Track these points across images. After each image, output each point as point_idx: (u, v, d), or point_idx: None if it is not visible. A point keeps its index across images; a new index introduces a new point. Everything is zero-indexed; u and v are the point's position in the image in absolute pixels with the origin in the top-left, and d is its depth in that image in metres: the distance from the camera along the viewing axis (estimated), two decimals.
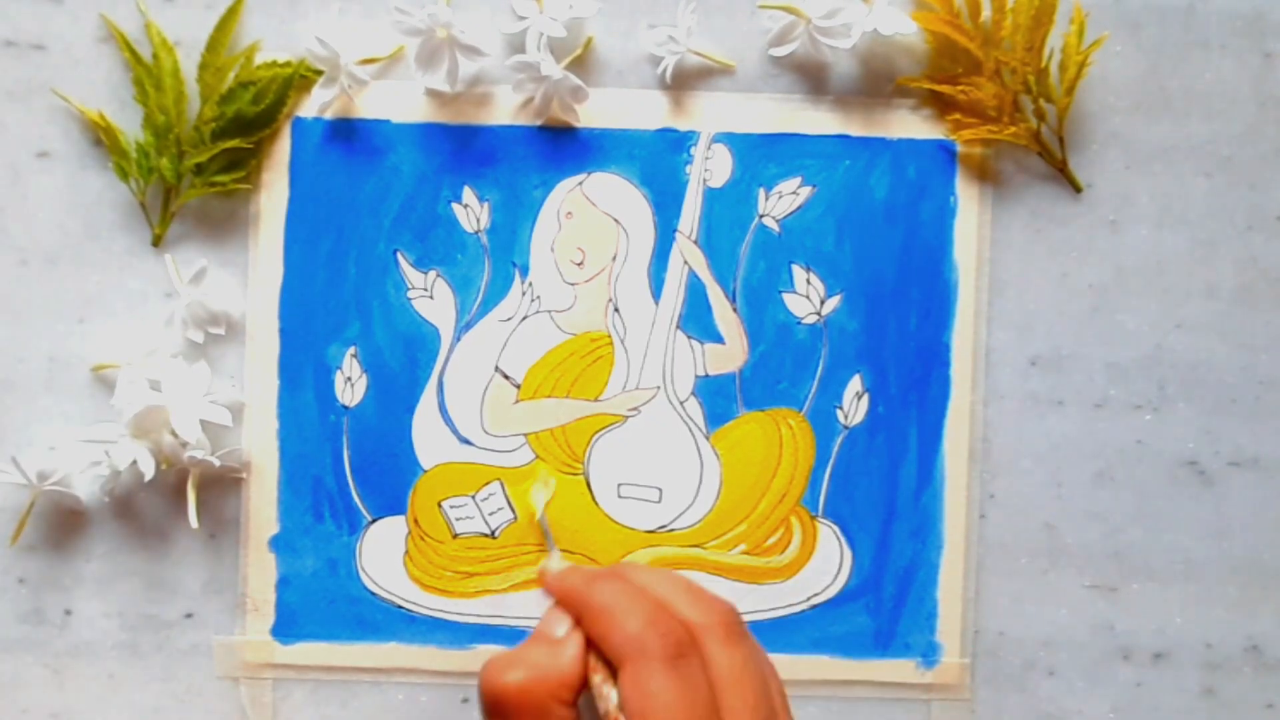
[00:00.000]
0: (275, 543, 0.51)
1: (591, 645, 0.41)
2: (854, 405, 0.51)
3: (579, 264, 0.51)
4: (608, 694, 0.40)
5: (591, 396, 0.51)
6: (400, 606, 0.51)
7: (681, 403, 0.51)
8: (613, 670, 0.40)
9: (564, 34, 0.49)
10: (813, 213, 0.51)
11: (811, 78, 0.51)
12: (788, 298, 0.51)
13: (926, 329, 0.51)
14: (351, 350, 0.51)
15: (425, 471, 0.51)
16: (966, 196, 0.51)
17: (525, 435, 0.51)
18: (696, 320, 0.51)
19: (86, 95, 0.50)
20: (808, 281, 0.51)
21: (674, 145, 0.51)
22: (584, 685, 0.41)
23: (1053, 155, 0.51)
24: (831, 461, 0.51)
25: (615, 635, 0.40)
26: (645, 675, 0.38)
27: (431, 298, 0.51)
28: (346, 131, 0.51)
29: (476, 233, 0.51)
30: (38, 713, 0.51)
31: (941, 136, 0.51)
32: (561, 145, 0.51)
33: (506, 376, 0.51)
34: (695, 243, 0.51)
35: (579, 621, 0.42)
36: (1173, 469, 0.51)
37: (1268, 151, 0.51)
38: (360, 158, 0.51)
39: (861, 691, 0.51)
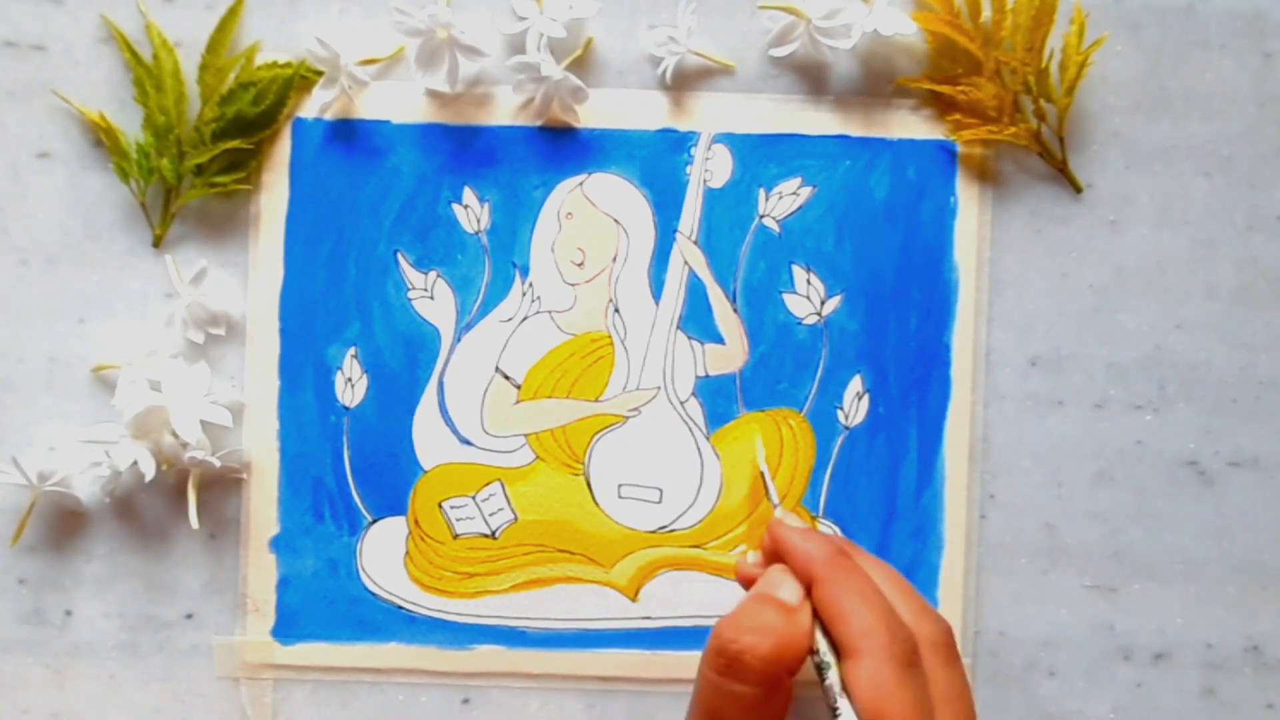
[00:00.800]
0: (275, 543, 0.51)
1: (817, 618, 0.42)
2: (854, 405, 0.51)
3: (579, 264, 0.51)
4: (831, 673, 0.41)
5: (592, 397, 0.51)
6: (400, 607, 0.51)
7: (682, 403, 0.51)
8: (834, 649, 0.41)
9: (564, 34, 0.49)
10: (813, 213, 0.51)
11: (811, 78, 0.51)
12: (788, 298, 0.51)
13: (926, 329, 0.51)
14: (352, 351, 0.51)
15: (425, 472, 0.51)
16: (966, 197, 0.51)
17: (525, 436, 0.51)
18: (697, 320, 0.51)
19: (87, 96, 0.50)
20: (808, 282, 0.51)
21: (674, 145, 0.51)
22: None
23: (1053, 155, 0.51)
24: (832, 462, 0.51)
25: (854, 625, 0.40)
26: (883, 672, 0.39)
27: (432, 298, 0.51)
28: (347, 132, 0.51)
29: (477, 233, 0.51)
30: (38, 713, 0.51)
31: (941, 137, 0.51)
32: (561, 145, 0.51)
33: (507, 377, 0.51)
34: (695, 243, 0.51)
35: (809, 589, 0.42)
36: (1173, 469, 0.51)
37: (1268, 151, 0.51)
38: (360, 158, 0.51)
39: None
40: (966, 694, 0.41)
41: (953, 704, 0.40)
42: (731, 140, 0.51)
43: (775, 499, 0.49)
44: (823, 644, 0.41)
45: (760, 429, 0.51)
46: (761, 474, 0.50)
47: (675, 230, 0.51)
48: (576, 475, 0.51)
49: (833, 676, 0.41)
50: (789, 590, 0.43)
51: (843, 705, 0.40)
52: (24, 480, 0.49)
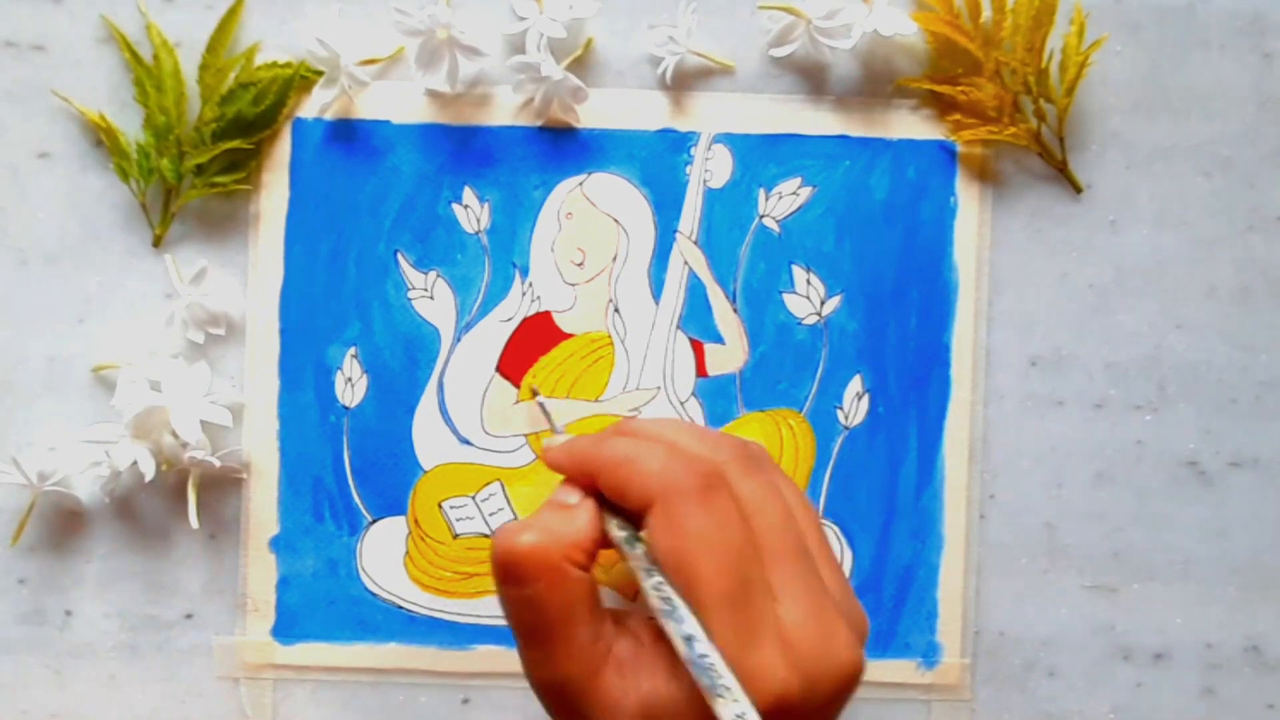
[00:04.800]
0: (275, 543, 0.51)
1: (608, 505, 0.39)
2: (854, 406, 0.51)
3: (579, 264, 0.51)
4: (634, 548, 0.38)
5: (592, 397, 0.51)
6: (400, 607, 0.51)
7: (682, 403, 0.51)
8: (635, 525, 0.39)
9: (564, 34, 0.49)
10: (813, 213, 0.51)
11: (811, 78, 0.51)
12: (788, 298, 0.51)
13: (926, 329, 0.51)
14: (352, 351, 0.51)
15: (425, 472, 0.51)
16: (966, 197, 0.51)
17: (525, 436, 0.51)
18: (697, 321, 0.51)
19: (87, 96, 0.50)
20: (808, 282, 0.51)
21: (674, 146, 0.51)
22: (599, 547, 0.39)
23: (1053, 155, 0.51)
24: (832, 462, 0.51)
25: (637, 480, 0.38)
26: (677, 511, 0.36)
27: (432, 298, 0.51)
28: (346, 132, 0.51)
29: (477, 233, 0.51)
30: (38, 713, 0.51)
31: (941, 137, 0.51)
32: (561, 145, 0.51)
33: (506, 377, 0.51)
34: (695, 243, 0.51)
35: (594, 484, 0.40)
36: (1173, 469, 0.51)
37: (1268, 151, 0.51)
38: (360, 158, 0.51)
39: (861, 691, 0.51)
40: (775, 498, 0.38)
41: (762, 513, 0.37)
42: (731, 140, 0.51)
43: (556, 427, 0.49)
44: (615, 526, 0.39)
45: (761, 427, 0.51)
46: (540, 405, 0.49)
47: (675, 230, 0.51)
48: None
49: (639, 549, 0.38)
50: (567, 494, 0.40)
51: (650, 577, 0.37)
52: (24, 480, 0.49)
